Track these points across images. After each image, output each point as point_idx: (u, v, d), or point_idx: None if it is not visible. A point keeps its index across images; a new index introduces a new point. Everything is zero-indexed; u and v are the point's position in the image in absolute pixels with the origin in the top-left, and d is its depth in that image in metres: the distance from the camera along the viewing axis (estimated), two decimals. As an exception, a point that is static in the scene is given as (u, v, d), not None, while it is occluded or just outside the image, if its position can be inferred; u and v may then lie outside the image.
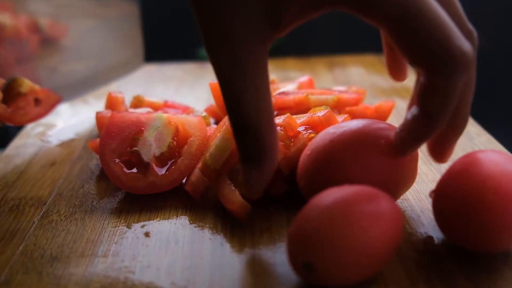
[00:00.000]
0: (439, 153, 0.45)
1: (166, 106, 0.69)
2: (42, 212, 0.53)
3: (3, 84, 0.62)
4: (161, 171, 0.53)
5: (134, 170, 0.54)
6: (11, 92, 0.62)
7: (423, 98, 0.38)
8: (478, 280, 0.40)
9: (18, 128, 0.64)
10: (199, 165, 0.52)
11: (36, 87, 0.64)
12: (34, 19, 0.76)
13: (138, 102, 0.68)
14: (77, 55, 0.80)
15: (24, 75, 0.65)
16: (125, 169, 0.53)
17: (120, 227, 0.49)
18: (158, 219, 0.50)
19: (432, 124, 0.39)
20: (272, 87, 0.71)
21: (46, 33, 0.78)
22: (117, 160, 0.53)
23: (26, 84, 0.63)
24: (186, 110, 0.68)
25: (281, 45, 1.72)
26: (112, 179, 0.53)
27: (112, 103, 0.67)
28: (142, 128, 0.55)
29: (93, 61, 0.81)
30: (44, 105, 0.65)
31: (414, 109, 0.40)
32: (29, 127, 0.74)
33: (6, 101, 0.62)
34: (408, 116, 0.41)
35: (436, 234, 0.46)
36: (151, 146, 0.54)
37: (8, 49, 0.73)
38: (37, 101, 0.65)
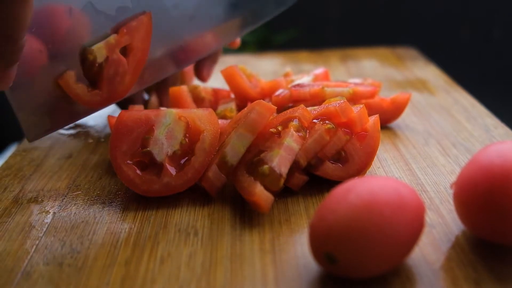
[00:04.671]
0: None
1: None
2: (61, 203, 0.53)
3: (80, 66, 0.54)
4: (175, 170, 0.52)
5: (147, 171, 0.52)
6: (92, 71, 0.54)
7: None
8: (500, 272, 0.40)
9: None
10: (216, 161, 0.52)
11: (110, 38, 0.54)
12: None
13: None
14: None
15: None
16: (138, 171, 0.52)
17: (139, 218, 0.49)
18: (176, 211, 0.50)
19: None
20: (286, 79, 0.70)
21: None
22: (129, 162, 0.52)
23: (99, 48, 0.54)
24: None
25: (294, 38, 1.72)
26: (126, 183, 0.52)
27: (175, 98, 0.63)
28: (153, 127, 0.54)
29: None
30: (136, 46, 0.56)
31: None
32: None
33: (94, 83, 0.55)
34: None
35: (457, 225, 0.46)
36: (163, 145, 0.53)
37: None
38: (126, 50, 0.56)
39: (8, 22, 0.41)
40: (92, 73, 0.54)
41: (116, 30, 0.55)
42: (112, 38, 0.54)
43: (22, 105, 0.52)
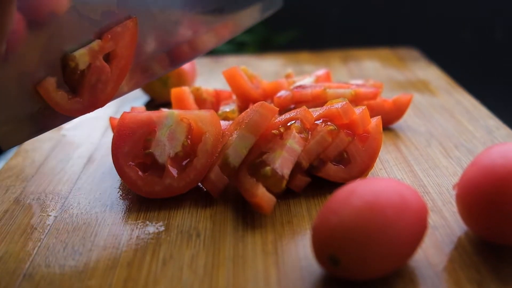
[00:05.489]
0: None
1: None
2: (62, 205, 0.53)
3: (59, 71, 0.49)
4: (177, 172, 0.52)
5: (149, 172, 0.52)
6: (73, 78, 0.50)
7: None
8: (503, 273, 0.40)
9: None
10: (218, 162, 0.52)
11: (94, 45, 0.51)
12: None
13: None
14: None
15: None
16: (140, 173, 0.52)
17: (141, 220, 0.49)
18: (179, 213, 0.50)
19: None
20: (288, 80, 0.70)
21: None
22: (131, 164, 0.52)
23: (81, 55, 0.50)
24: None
25: (295, 38, 1.72)
26: (128, 184, 0.52)
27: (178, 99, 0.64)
28: (155, 128, 0.53)
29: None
30: (120, 53, 0.52)
31: None
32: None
33: (75, 90, 0.50)
34: None
35: (460, 227, 0.46)
36: (165, 147, 0.53)
37: None
38: (109, 57, 0.52)
39: None
40: (73, 80, 0.51)
41: (99, 36, 0.52)
42: (96, 44, 0.51)
43: None
